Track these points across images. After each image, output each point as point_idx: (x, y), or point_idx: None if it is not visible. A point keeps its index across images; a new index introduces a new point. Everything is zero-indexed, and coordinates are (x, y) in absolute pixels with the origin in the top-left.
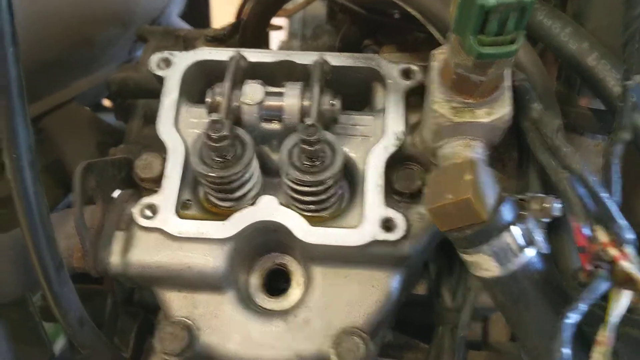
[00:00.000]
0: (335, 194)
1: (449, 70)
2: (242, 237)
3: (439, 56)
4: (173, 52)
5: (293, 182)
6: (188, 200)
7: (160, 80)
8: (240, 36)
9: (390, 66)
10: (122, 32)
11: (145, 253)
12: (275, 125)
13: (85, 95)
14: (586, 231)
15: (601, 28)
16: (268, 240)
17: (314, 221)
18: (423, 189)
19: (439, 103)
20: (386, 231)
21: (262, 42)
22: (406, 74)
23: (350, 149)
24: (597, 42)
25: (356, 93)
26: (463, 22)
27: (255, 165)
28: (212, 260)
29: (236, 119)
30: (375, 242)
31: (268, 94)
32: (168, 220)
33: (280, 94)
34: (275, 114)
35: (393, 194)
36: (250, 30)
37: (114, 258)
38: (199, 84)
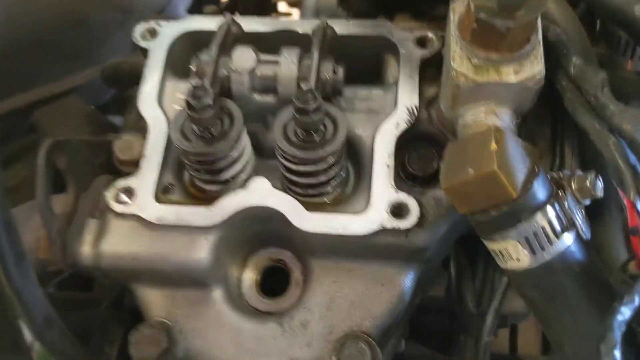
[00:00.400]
0: (338, 176)
1: (469, 18)
2: (231, 226)
3: (459, 7)
4: (160, 21)
5: (288, 160)
6: (170, 184)
7: (145, 53)
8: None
9: (404, 34)
10: (122, 19)
11: (119, 242)
12: (269, 98)
13: (87, 92)
14: None
15: None
16: (263, 231)
17: (313, 207)
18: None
19: (458, 60)
20: (396, 218)
21: None
22: (421, 42)
23: (357, 126)
24: None
25: (367, 67)
26: None
27: (245, 142)
28: (194, 251)
29: (225, 90)
30: (384, 231)
31: (261, 61)
32: (145, 205)
33: (275, 62)
34: (269, 85)
35: (406, 177)
36: (251, 3)
37: (85, 248)
38: (189, 57)
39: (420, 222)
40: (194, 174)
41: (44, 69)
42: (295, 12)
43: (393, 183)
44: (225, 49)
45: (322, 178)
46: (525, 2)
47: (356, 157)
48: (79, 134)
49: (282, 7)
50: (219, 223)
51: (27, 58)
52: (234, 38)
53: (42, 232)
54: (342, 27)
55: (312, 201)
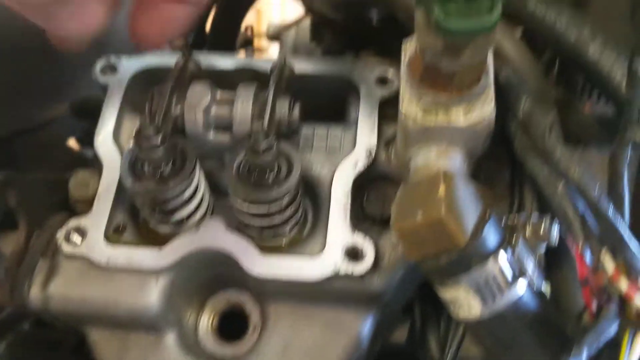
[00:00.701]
0: (294, 217)
1: (417, 58)
2: (184, 269)
3: (410, 46)
4: (120, 55)
5: (241, 200)
6: (122, 224)
7: (105, 89)
8: (208, 45)
9: (365, 72)
10: (99, 54)
11: (68, 285)
12: (224, 137)
13: (67, 123)
14: (589, 258)
15: (605, 12)
16: (220, 273)
17: (268, 249)
18: None
19: (407, 100)
20: (351, 261)
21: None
22: (382, 81)
23: (315, 165)
24: (599, 28)
25: (330, 105)
26: None
27: (199, 182)
28: (144, 295)
29: (179, 127)
30: (338, 275)
31: (216, 98)
32: (95, 246)
33: (230, 99)
34: (224, 123)
35: (364, 218)
36: (218, 35)
37: (34, 290)
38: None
39: (376, 266)
40: (146, 214)
41: (19, 103)
42: (275, 47)
43: (349, 224)
44: (181, 85)
45: (277, 219)
46: (471, 42)
47: (314, 197)
48: (53, 168)
49: (262, 41)
50: (169, 266)
51: (2, 92)
52: (191, 74)
53: None
54: (303, 64)
55: (267, 244)
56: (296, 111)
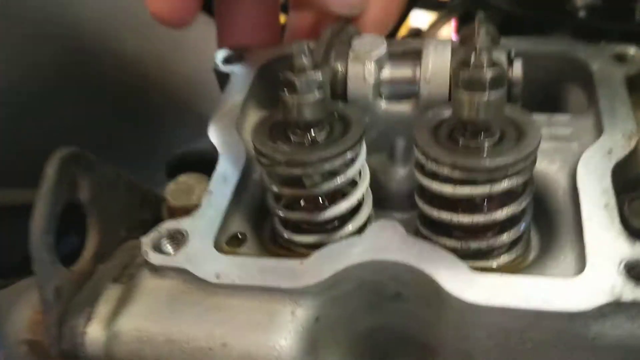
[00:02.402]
0: (521, 224)
1: None
2: (336, 299)
3: None
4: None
5: (438, 178)
6: (242, 233)
7: (224, 79)
8: None
9: (595, 50)
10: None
11: (148, 314)
12: (404, 106)
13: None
14: None
15: None
16: (381, 325)
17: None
18: None
19: None
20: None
21: None
22: (621, 58)
23: (541, 159)
24: None
25: (541, 92)
26: None
27: (363, 169)
28: (271, 334)
29: (338, 92)
30: (617, 307)
31: (393, 55)
32: (198, 255)
33: (414, 54)
34: (404, 88)
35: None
36: None
37: (95, 326)
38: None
39: None
40: (282, 214)
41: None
42: None
43: (623, 231)
44: (338, 41)
45: (497, 216)
46: None
47: (539, 203)
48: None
49: None
50: (315, 286)
51: None
52: (349, 38)
53: (35, 300)
54: (513, 41)
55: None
56: (518, 67)
